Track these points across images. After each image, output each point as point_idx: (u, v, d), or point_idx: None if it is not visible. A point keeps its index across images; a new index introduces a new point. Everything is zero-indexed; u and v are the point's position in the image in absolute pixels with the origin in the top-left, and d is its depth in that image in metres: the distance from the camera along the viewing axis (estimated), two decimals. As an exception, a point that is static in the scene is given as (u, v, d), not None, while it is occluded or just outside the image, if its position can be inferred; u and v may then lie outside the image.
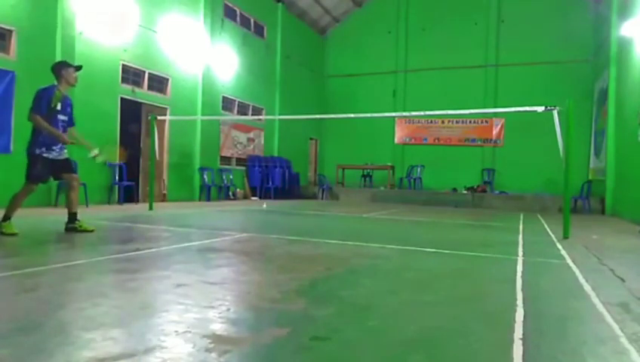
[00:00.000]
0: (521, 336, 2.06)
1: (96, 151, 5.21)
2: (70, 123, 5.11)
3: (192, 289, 2.75)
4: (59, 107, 4.90)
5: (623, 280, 3.42)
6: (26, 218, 6.55)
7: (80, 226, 5.02)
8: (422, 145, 17.74)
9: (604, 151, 12.31)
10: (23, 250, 4.15)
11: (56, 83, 5.00)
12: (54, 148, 4.87)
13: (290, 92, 17.24)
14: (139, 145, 11.27)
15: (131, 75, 10.71)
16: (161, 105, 11.49)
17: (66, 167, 5.03)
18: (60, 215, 7.16)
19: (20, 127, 8.25)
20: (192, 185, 12.76)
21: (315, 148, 19.83)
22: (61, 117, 4.94)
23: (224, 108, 14.14)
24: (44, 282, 2.87)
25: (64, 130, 4.99)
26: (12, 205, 4.81)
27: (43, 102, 4.76)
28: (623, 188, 10.74)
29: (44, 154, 4.79)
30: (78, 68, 5.24)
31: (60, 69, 5.05)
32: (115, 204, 9.91)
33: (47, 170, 4.87)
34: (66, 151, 5.06)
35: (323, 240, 5.24)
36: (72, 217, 5.04)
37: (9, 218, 4.76)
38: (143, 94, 11.03)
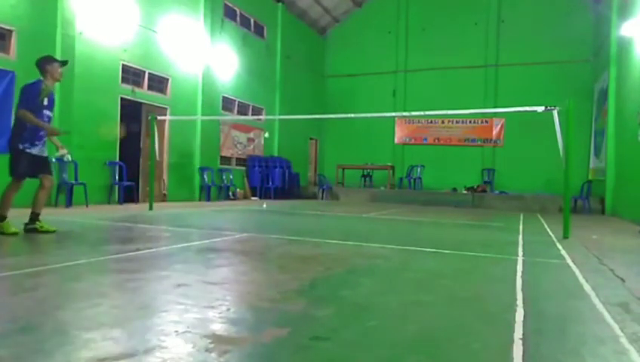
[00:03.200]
0: (521, 336, 2.06)
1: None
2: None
3: (192, 289, 2.75)
4: (45, 102, 4.88)
5: (623, 280, 3.42)
6: (25, 218, 6.55)
7: (41, 227, 4.91)
8: (422, 145, 17.74)
9: (604, 151, 12.31)
10: (23, 250, 4.15)
11: (41, 78, 4.92)
12: (37, 143, 4.85)
13: (290, 92, 17.24)
14: (139, 145, 11.27)
15: (131, 75, 10.71)
16: (161, 105, 11.49)
17: (44, 165, 4.97)
18: (60, 215, 7.16)
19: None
20: (192, 185, 12.76)
21: (315, 148, 19.83)
22: (47, 112, 4.93)
23: (224, 108, 14.13)
24: (44, 282, 2.87)
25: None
26: (3, 204, 4.78)
27: (30, 98, 4.75)
28: (623, 188, 10.73)
29: (27, 150, 4.77)
30: (64, 63, 5.20)
31: (44, 63, 4.97)
32: (115, 204, 9.91)
33: (31, 166, 4.83)
34: (46, 149, 5.02)
35: (323, 240, 5.24)
36: (34, 217, 4.91)
37: (5, 217, 4.75)
38: (143, 94, 11.03)
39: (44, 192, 4.97)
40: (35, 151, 4.83)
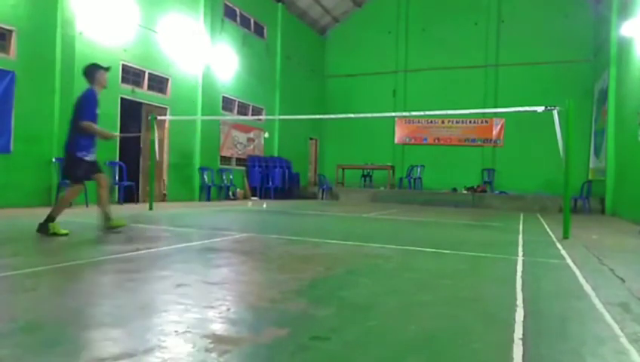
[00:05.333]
0: (521, 336, 2.06)
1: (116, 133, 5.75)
2: None
3: (192, 289, 2.75)
4: (98, 111, 5.14)
5: (623, 280, 3.42)
6: (25, 218, 6.55)
7: (113, 224, 5.12)
8: (422, 145, 17.74)
9: (604, 151, 12.31)
10: (23, 250, 4.15)
11: (92, 87, 5.15)
12: (92, 150, 5.10)
13: (290, 92, 17.24)
14: (139, 145, 11.27)
15: (131, 75, 10.71)
16: (161, 105, 11.49)
17: (95, 168, 5.23)
18: (60, 215, 7.14)
19: (20, 127, 8.28)
20: (192, 185, 12.76)
21: (315, 148, 19.82)
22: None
23: (224, 108, 14.13)
24: (44, 282, 2.87)
25: None
26: (60, 207, 5.02)
27: (90, 109, 5.00)
28: (623, 188, 10.73)
29: (85, 158, 5.01)
30: (108, 69, 5.40)
31: (93, 72, 5.19)
32: (116, 204, 9.90)
33: (87, 171, 5.09)
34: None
35: (323, 240, 5.24)
36: (106, 217, 5.15)
37: (53, 219, 4.89)
38: (143, 94, 11.03)
39: (103, 190, 5.19)
40: (90, 158, 5.07)
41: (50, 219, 4.85)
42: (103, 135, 5.23)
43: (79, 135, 4.96)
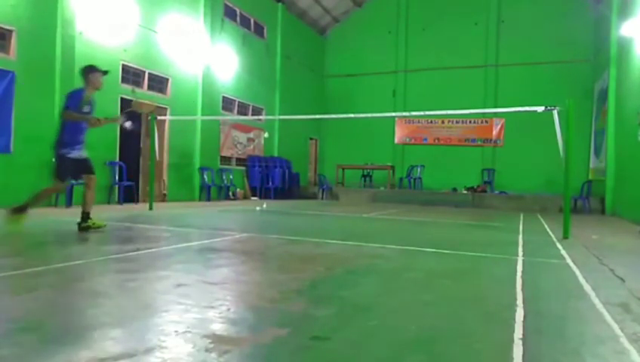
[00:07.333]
0: (521, 336, 2.06)
1: (122, 120, 5.79)
2: None
3: (192, 289, 2.75)
4: (86, 109, 5.18)
5: (623, 280, 3.42)
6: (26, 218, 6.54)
7: (93, 224, 5.16)
8: (422, 145, 17.72)
9: (604, 151, 12.31)
10: (23, 250, 4.15)
11: (83, 87, 5.24)
12: (76, 147, 5.10)
13: (290, 92, 17.24)
14: (139, 145, 11.27)
15: (131, 75, 10.71)
16: (161, 105, 11.48)
17: (85, 167, 5.23)
18: (60, 215, 7.16)
19: (20, 127, 8.27)
20: (192, 185, 12.76)
21: (315, 148, 19.83)
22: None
23: (224, 108, 14.14)
24: (44, 282, 2.87)
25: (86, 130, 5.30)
26: (36, 199, 5.06)
27: (73, 103, 5.06)
28: (623, 188, 10.73)
29: (67, 155, 5.02)
30: (105, 72, 5.46)
31: (87, 73, 5.27)
32: (115, 204, 9.91)
33: (72, 170, 5.14)
34: (84, 151, 5.26)
35: (323, 240, 5.24)
36: (86, 216, 5.16)
37: (25, 209, 4.93)
38: (143, 94, 11.02)
39: (90, 192, 5.26)
40: (74, 155, 5.07)
41: (22, 208, 4.92)
42: (85, 120, 5.14)
43: (63, 132, 5.04)
